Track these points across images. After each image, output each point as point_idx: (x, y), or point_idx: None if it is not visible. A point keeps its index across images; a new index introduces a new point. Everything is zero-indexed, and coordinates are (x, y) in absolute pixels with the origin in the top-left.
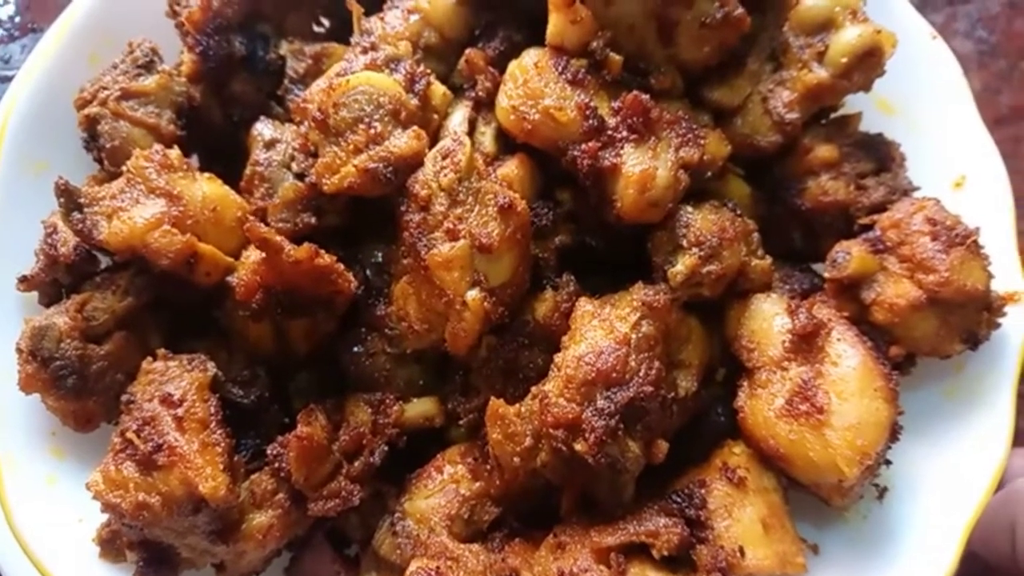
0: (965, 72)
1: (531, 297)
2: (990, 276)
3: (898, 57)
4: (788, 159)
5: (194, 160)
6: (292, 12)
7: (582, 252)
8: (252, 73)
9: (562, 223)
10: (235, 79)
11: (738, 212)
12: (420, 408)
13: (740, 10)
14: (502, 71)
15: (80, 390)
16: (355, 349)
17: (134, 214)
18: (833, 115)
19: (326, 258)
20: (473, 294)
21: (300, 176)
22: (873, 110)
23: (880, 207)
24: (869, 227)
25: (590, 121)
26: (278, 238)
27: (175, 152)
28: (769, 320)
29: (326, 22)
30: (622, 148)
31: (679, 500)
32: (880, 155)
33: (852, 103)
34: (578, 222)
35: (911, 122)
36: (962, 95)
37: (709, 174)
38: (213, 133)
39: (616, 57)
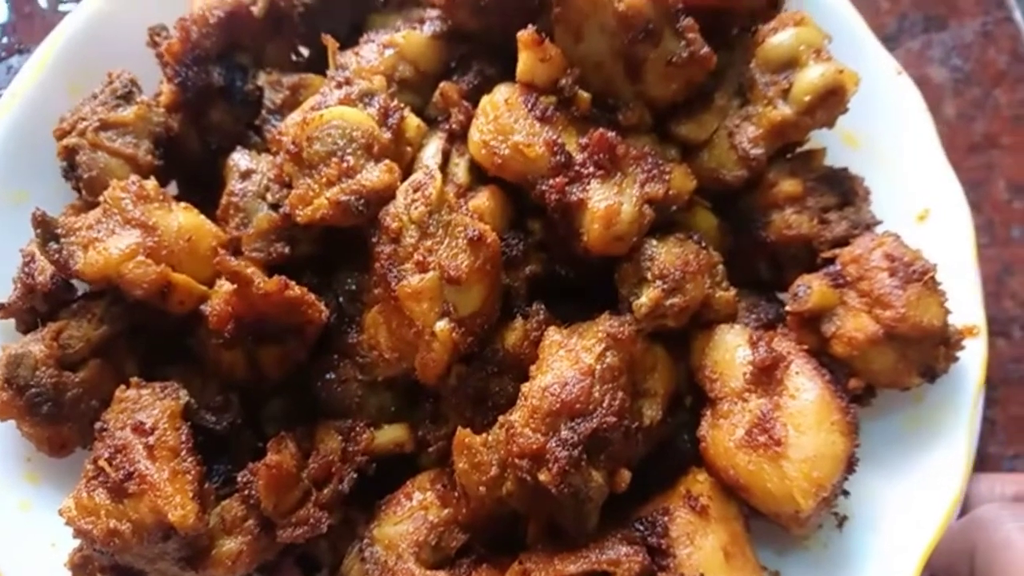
0: (939, 100)
1: (501, 326)
2: (947, 312)
3: (864, 92)
4: (753, 193)
5: (173, 188)
6: (270, 43)
7: (554, 281)
8: (230, 103)
9: (533, 253)
10: (214, 109)
11: (703, 244)
12: (390, 435)
13: (706, 49)
14: (476, 104)
15: (55, 417)
16: (327, 376)
17: (109, 245)
18: (798, 150)
19: (296, 289)
20: (442, 325)
21: (275, 206)
22: (839, 144)
23: (843, 241)
24: (832, 260)
25: (558, 157)
26: (249, 270)
27: (151, 183)
28: (732, 351)
29: (305, 52)
30: (589, 183)
31: (642, 528)
32: (844, 189)
33: (818, 137)
34: (549, 252)
35: (876, 156)
36: (926, 129)
37: (675, 208)
38: (192, 161)
39: (584, 95)
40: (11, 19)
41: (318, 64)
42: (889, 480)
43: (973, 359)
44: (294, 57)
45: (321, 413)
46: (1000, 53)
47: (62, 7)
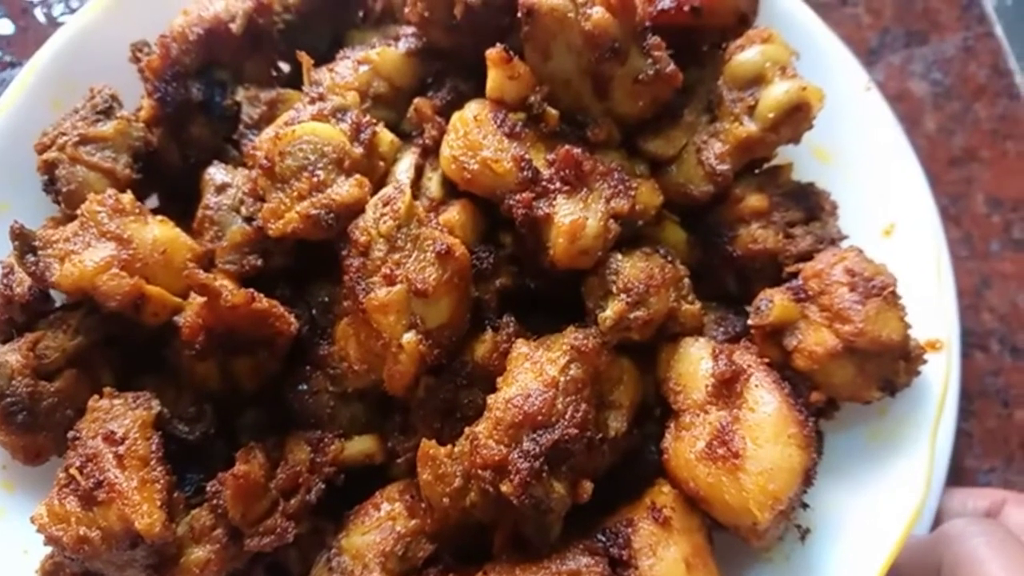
0: (920, 114)
1: (471, 338)
2: (907, 326)
3: (834, 108)
4: (721, 207)
5: (154, 200)
6: (249, 59)
7: (526, 293)
8: (209, 118)
9: (504, 266)
10: (193, 123)
11: (670, 258)
12: (360, 446)
13: (672, 67)
14: (449, 119)
15: (30, 426)
16: (300, 387)
17: (85, 257)
18: (767, 165)
19: (264, 302)
20: (409, 337)
21: (249, 219)
22: (810, 158)
23: (807, 255)
24: (795, 275)
25: (525, 172)
26: (217, 283)
27: (128, 196)
28: (695, 364)
29: (285, 67)
30: (555, 199)
31: (604, 539)
32: (810, 204)
33: (790, 152)
34: (520, 264)
35: (846, 170)
36: (895, 144)
37: (642, 222)
38: (172, 175)
39: (552, 112)
40: (11, 32)
41: (298, 79)
42: (853, 492)
43: (936, 373)
44: (275, 73)
45: (294, 423)
46: (980, 67)
47: (63, 18)
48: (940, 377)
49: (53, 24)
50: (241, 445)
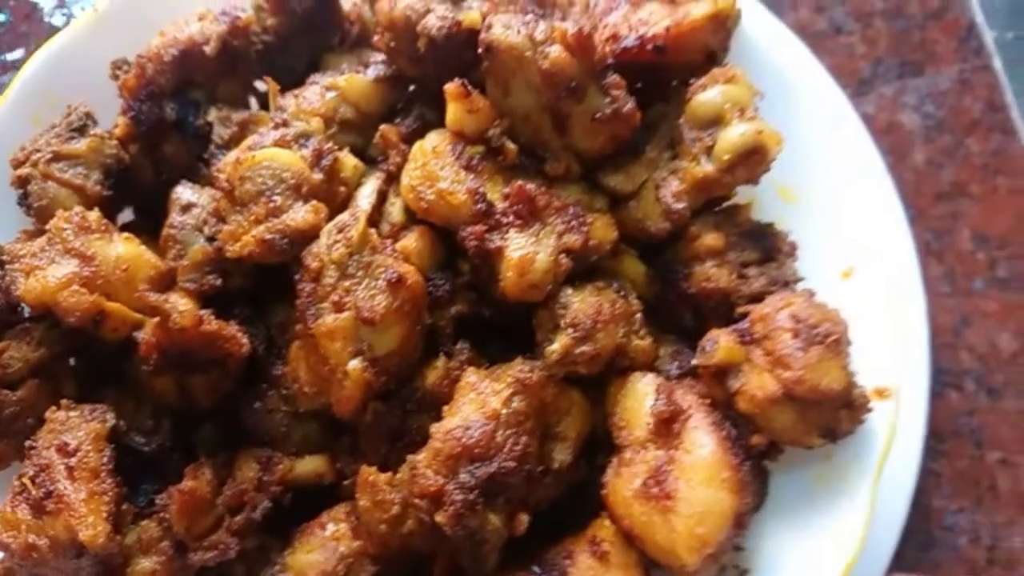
0: (909, 146)
1: (423, 364)
2: (849, 376)
3: (801, 146)
4: (678, 244)
5: (128, 214)
6: (224, 80)
7: (482, 320)
8: (183, 136)
9: (461, 293)
10: (167, 142)
11: (622, 293)
12: (310, 465)
13: (629, 106)
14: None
15: None
16: (255, 405)
17: (48, 273)
18: (727, 203)
19: (213, 325)
20: (354, 364)
21: (211, 239)
22: (775, 196)
23: (759, 297)
24: (745, 316)
25: (479, 205)
26: (168, 305)
27: (94, 214)
28: (640, 400)
29: (262, 87)
30: (507, 232)
31: (539, 570)
32: (767, 245)
33: (755, 188)
34: (478, 292)
35: (810, 210)
36: (861, 186)
37: (596, 257)
38: (146, 191)
39: (511, 146)
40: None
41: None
42: (795, 534)
43: (883, 421)
44: (252, 93)
45: (249, 440)
46: (976, 101)
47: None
48: (886, 425)
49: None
50: (197, 458)
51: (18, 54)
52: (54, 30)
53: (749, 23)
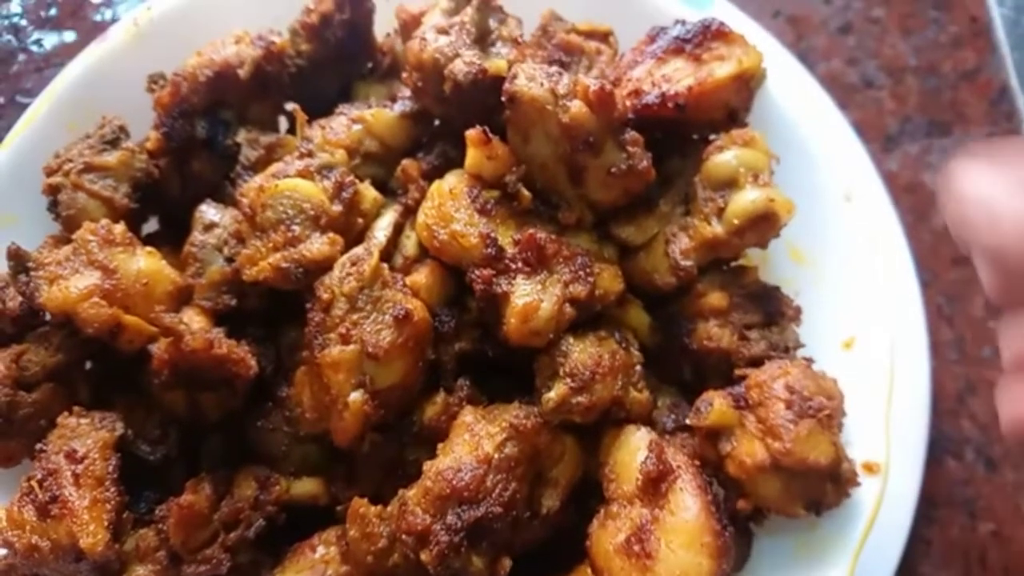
0: (929, 208)
1: (423, 399)
2: (838, 451)
3: (813, 213)
4: (683, 299)
5: (154, 223)
6: (256, 102)
7: (485, 358)
8: (211, 155)
9: (467, 330)
10: (195, 158)
11: (624, 344)
12: (307, 487)
13: (645, 163)
14: (433, 182)
15: (6, 432)
16: (259, 423)
17: (71, 283)
18: (735, 263)
19: (224, 348)
20: (355, 396)
21: (230, 260)
22: (786, 256)
23: (759, 361)
24: (744, 379)
25: (489, 250)
26: (181, 326)
27: (120, 227)
28: (632, 455)
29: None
30: (515, 278)
31: None
32: (771, 308)
33: (768, 246)
34: (484, 329)
35: (818, 275)
36: (874, 254)
37: (600, 307)
38: (172, 202)
39: (526, 193)
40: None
41: (309, 120)
42: None
43: (870, 495)
44: (283, 115)
45: (251, 455)
46: None
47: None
48: (873, 501)
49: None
50: (201, 470)
51: (69, 37)
52: (98, 26)
53: (777, 75)
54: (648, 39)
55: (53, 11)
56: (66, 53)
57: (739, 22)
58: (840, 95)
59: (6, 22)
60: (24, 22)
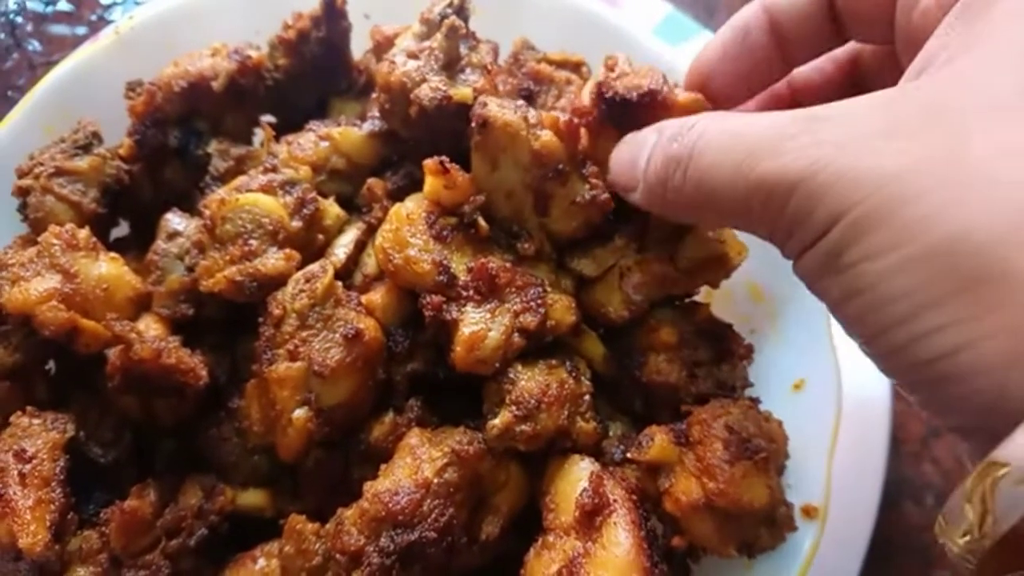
0: None
1: (372, 418)
2: (774, 494)
3: (771, 249)
4: (636, 332)
5: (125, 228)
6: (229, 114)
7: (437, 379)
8: (183, 163)
9: (421, 351)
10: (167, 166)
11: (574, 374)
12: (253, 499)
13: (606, 195)
14: (398, 201)
15: None
16: (210, 432)
17: (31, 285)
18: (688, 299)
19: (172, 358)
20: (299, 413)
21: (190, 269)
22: (746, 293)
23: (705, 398)
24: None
25: (441, 277)
26: (131, 335)
27: (84, 232)
28: (574, 485)
29: (273, 119)
30: (465, 306)
31: None
32: (721, 346)
33: (728, 282)
34: (438, 350)
35: (775, 313)
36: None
37: (551, 337)
38: (142, 208)
39: (484, 224)
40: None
41: (286, 131)
42: None
43: (807, 540)
44: (259, 128)
45: (203, 464)
46: None
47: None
48: (810, 543)
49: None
50: (157, 472)
51: (63, 36)
52: (94, 25)
53: None
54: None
55: (50, 8)
56: (60, 51)
57: None
58: None
59: (2, 19)
60: (20, 19)
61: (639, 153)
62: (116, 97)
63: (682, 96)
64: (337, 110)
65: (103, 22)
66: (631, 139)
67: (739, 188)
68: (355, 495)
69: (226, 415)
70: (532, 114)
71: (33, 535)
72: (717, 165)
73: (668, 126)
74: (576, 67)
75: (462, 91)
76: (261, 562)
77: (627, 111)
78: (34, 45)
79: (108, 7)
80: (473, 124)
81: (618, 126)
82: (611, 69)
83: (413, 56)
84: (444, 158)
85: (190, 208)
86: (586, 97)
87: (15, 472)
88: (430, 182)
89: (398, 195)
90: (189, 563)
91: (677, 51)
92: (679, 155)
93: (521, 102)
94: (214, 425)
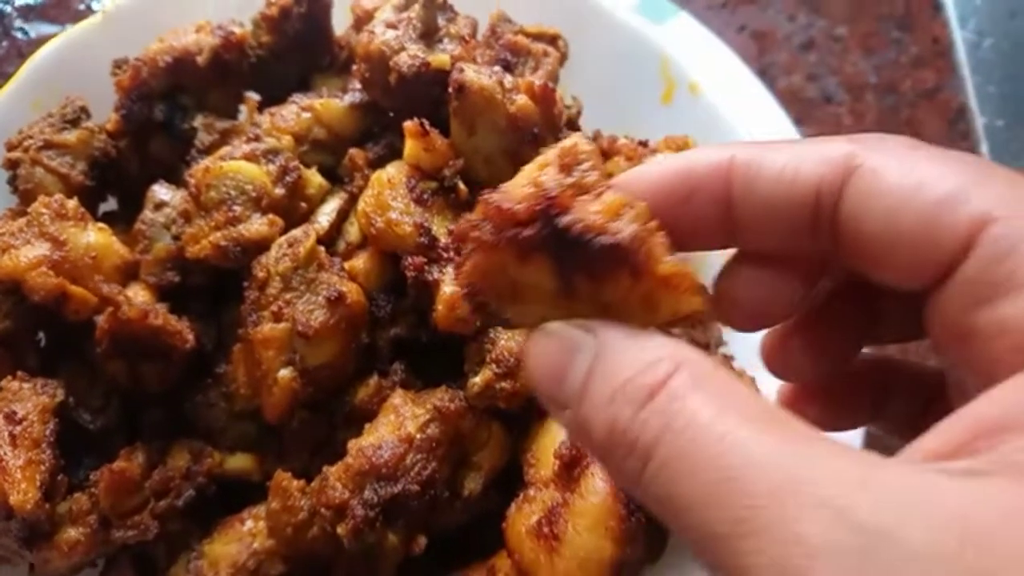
0: None
1: (357, 381)
2: None
3: None
4: None
5: (113, 204)
6: (214, 89)
7: (418, 343)
8: (169, 137)
9: (403, 315)
10: (153, 140)
11: None
12: (240, 463)
13: None
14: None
15: None
16: (198, 398)
17: (21, 253)
18: None
19: (159, 319)
20: (284, 373)
21: (177, 238)
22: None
23: None
24: None
25: (422, 239)
26: (119, 296)
27: (72, 203)
28: (554, 440)
29: (257, 96)
30: (445, 267)
31: None
32: None
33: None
34: (420, 315)
35: None
36: None
37: None
38: (130, 182)
39: (463, 187)
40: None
41: (270, 107)
42: None
43: None
44: (243, 103)
45: (191, 430)
46: None
47: None
48: None
49: None
50: (145, 439)
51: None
52: (81, 15)
53: (727, 87)
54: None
55: None
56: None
57: (701, 36)
58: (799, 110)
59: None
60: (9, 8)
61: (568, 363)
62: (103, 76)
63: (665, 265)
64: (319, 86)
65: (90, 12)
66: (558, 334)
67: (723, 520)
68: (340, 456)
69: (213, 382)
70: (508, 79)
71: (23, 493)
72: (691, 479)
73: (618, 359)
74: (552, 40)
75: (440, 58)
76: (249, 523)
77: (575, 254)
78: (26, 34)
79: None
80: (451, 89)
81: (556, 260)
82: (567, 170)
83: (392, 26)
84: (424, 120)
85: (176, 182)
86: (520, 196)
87: (6, 433)
88: (410, 145)
89: (379, 165)
90: (177, 525)
91: (663, 28)
92: (634, 438)
93: (497, 68)
94: (200, 392)
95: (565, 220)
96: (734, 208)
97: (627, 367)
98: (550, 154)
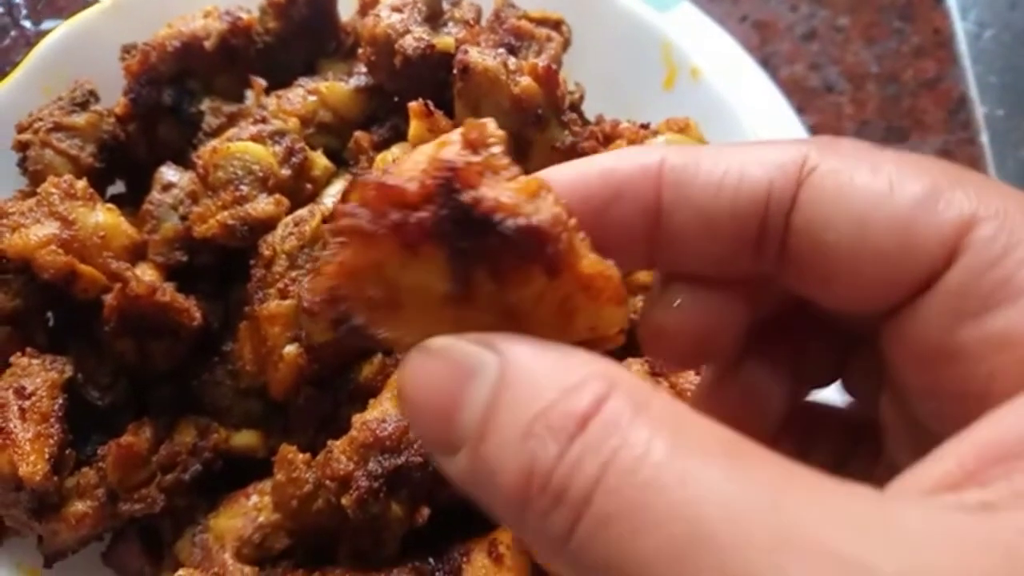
0: None
1: (362, 359)
2: None
3: None
4: None
5: (120, 187)
6: (221, 74)
7: None
8: (177, 121)
9: None
10: (161, 124)
11: None
12: (245, 439)
13: (590, 142)
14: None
15: None
16: (204, 376)
17: (31, 232)
18: None
19: (168, 296)
20: (290, 349)
21: (184, 218)
22: None
23: None
24: None
25: None
26: (127, 273)
27: (81, 183)
28: None
29: (263, 82)
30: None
31: (434, 562)
32: None
33: None
34: None
35: None
36: None
37: None
38: (138, 165)
39: None
40: None
41: (276, 91)
42: None
43: None
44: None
45: (197, 408)
46: None
47: None
48: None
49: None
50: (152, 416)
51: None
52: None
53: (729, 74)
54: None
55: None
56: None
57: (704, 25)
58: (800, 99)
59: None
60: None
61: (460, 391)
62: (112, 61)
63: (589, 260)
64: (325, 70)
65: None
66: (447, 352)
67: None
68: (344, 433)
69: (219, 360)
70: (512, 61)
71: (33, 464)
72: (647, 537)
73: (531, 381)
74: (556, 25)
75: (445, 40)
76: (254, 498)
77: (478, 244)
78: (34, 24)
79: None
80: (455, 71)
81: (452, 253)
82: (473, 148)
83: (397, 10)
84: (428, 101)
85: (184, 165)
86: (412, 173)
87: (15, 407)
88: (415, 125)
89: (384, 148)
90: (184, 499)
91: (667, 16)
92: (561, 485)
93: (501, 50)
94: (207, 370)
95: (469, 195)
96: (663, 219)
97: (544, 391)
98: (452, 134)
